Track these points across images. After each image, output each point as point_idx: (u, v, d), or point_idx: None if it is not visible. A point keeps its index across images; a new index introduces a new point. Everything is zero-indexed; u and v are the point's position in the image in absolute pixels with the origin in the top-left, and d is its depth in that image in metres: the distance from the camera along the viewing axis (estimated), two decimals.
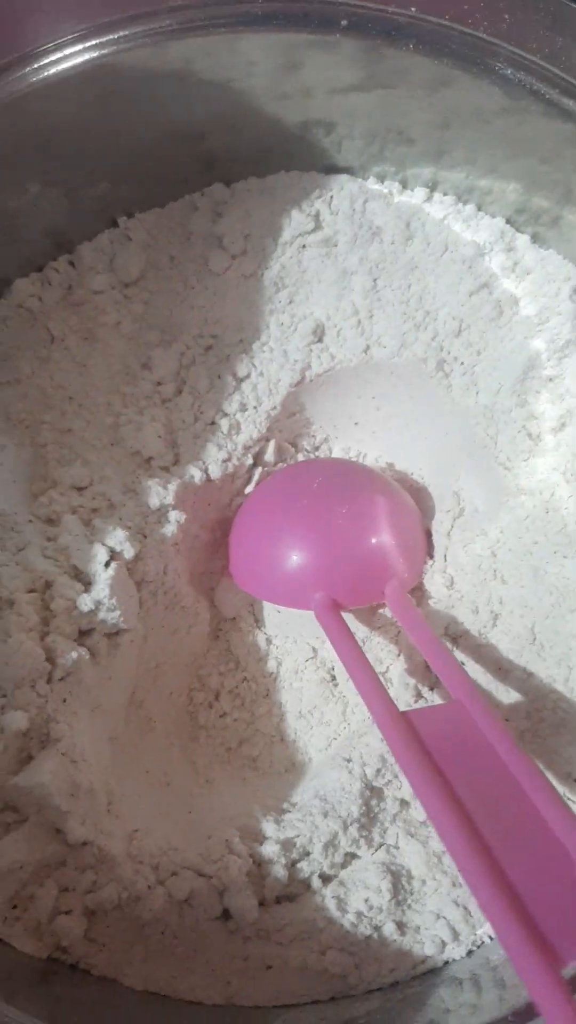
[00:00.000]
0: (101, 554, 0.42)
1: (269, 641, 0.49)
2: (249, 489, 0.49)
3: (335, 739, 0.46)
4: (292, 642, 0.49)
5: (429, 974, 0.39)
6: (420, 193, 0.48)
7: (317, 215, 0.48)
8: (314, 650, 0.49)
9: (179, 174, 0.48)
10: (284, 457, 0.50)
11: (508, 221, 0.47)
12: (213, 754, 0.47)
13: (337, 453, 0.52)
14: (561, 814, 0.31)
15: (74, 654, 0.40)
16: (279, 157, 0.48)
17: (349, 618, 0.47)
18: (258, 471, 0.49)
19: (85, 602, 0.41)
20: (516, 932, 0.27)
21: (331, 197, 0.48)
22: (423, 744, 0.35)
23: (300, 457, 0.51)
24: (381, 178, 0.48)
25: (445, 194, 0.47)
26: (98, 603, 0.41)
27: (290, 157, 0.48)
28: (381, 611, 0.48)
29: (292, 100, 0.45)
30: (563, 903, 0.29)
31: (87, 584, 0.42)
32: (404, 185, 0.48)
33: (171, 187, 0.49)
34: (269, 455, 0.49)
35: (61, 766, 0.38)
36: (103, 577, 0.41)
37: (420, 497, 0.50)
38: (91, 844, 0.38)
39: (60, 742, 0.38)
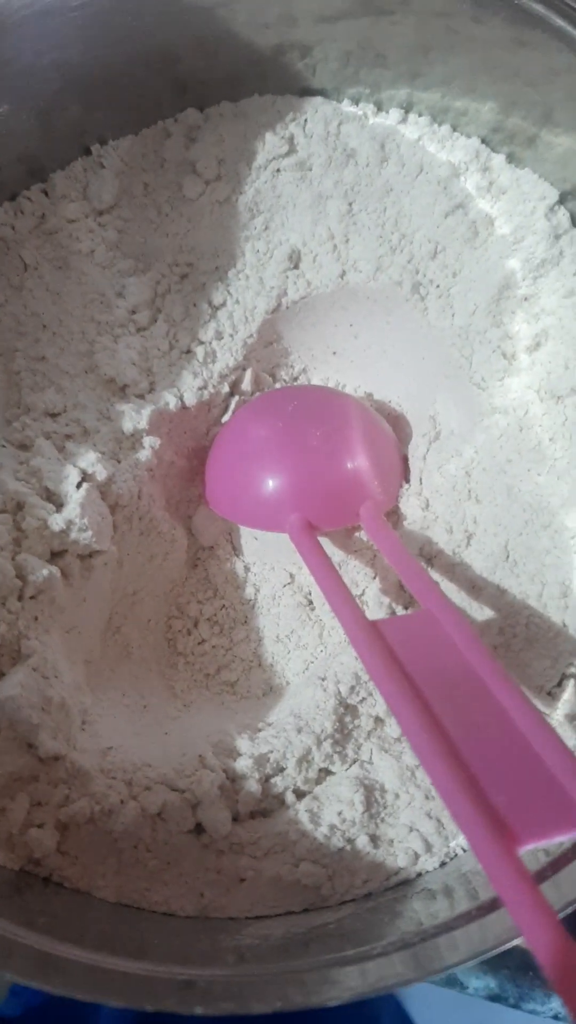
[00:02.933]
0: (73, 475, 0.42)
1: (247, 568, 0.49)
2: (226, 418, 0.49)
3: (312, 662, 0.46)
4: (270, 569, 0.49)
5: (402, 885, 0.39)
6: (395, 114, 0.47)
7: (291, 138, 0.47)
8: (291, 576, 0.48)
9: (152, 99, 0.48)
10: (261, 387, 0.50)
11: (483, 141, 0.46)
12: (192, 680, 0.47)
13: (316, 383, 0.52)
14: (525, 709, 0.31)
15: (45, 571, 0.40)
16: (253, 80, 0.48)
17: (325, 543, 0.47)
18: (235, 400, 0.49)
19: (56, 522, 0.41)
20: (473, 814, 0.27)
21: (305, 120, 0.47)
22: (393, 652, 0.35)
23: (278, 387, 0.51)
24: (356, 100, 0.48)
25: (420, 115, 0.47)
26: (69, 523, 0.41)
27: (264, 80, 0.48)
28: (357, 535, 0.48)
29: (273, 28, 0.45)
30: (524, 792, 0.29)
31: (59, 505, 0.42)
32: (379, 107, 0.47)
33: (144, 113, 0.48)
34: (246, 384, 0.49)
35: (32, 680, 0.38)
36: (75, 497, 0.41)
37: (398, 424, 0.50)
38: (63, 759, 0.38)
39: (31, 658, 0.38)
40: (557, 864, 0.33)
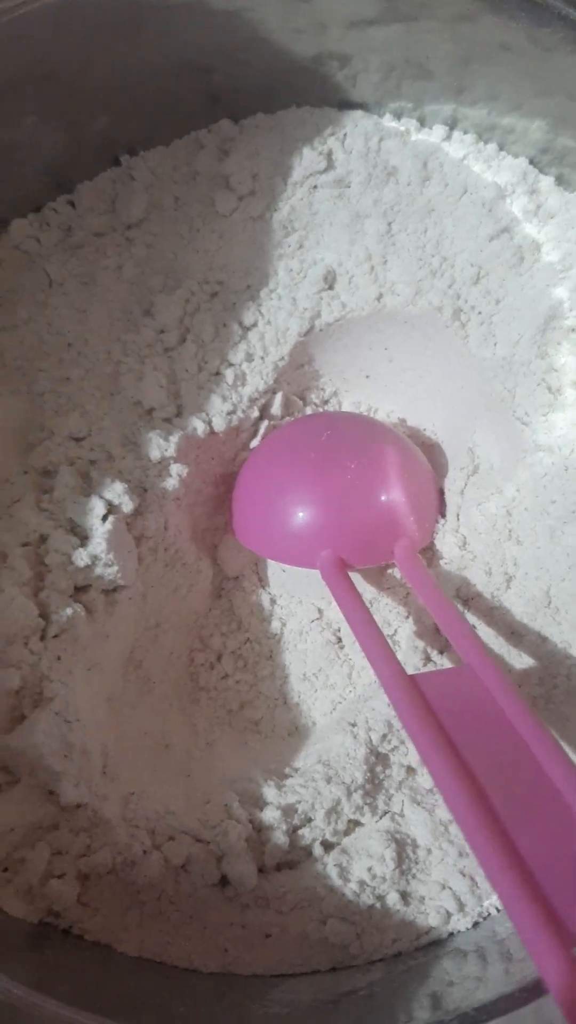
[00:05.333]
0: (98, 507, 0.40)
1: (273, 601, 0.48)
2: (255, 443, 0.47)
3: (340, 703, 0.45)
4: (297, 602, 0.47)
5: (433, 945, 0.37)
6: (439, 131, 0.45)
7: (329, 154, 0.45)
8: (320, 611, 0.47)
9: (184, 109, 0.46)
10: (291, 411, 0.48)
11: (531, 161, 0.44)
12: (214, 716, 0.46)
13: (347, 407, 0.50)
14: (573, 780, 0.30)
15: (69, 610, 0.38)
16: (289, 91, 0.46)
17: (356, 578, 0.45)
18: (264, 424, 0.47)
19: (81, 557, 0.39)
20: (526, 906, 0.26)
21: (344, 135, 0.45)
22: (431, 709, 0.34)
23: (308, 411, 0.49)
24: (398, 115, 0.46)
25: (465, 132, 0.45)
26: (95, 558, 0.39)
27: (301, 92, 0.46)
28: (390, 571, 0.46)
29: (305, 34, 0.43)
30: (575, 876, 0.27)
31: (83, 539, 0.40)
32: (422, 122, 0.45)
33: (176, 123, 0.46)
34: (276, 408, 0.47)
35: (54, 726, 0.36)
36: (100, 531, 0.40)
37: (433, 454, 0.48)
38: (85, 807, 0.36)
39: (54, 701, 0.37)
40: None
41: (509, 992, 0.32)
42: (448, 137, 0.45)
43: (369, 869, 0.38)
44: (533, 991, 0.31)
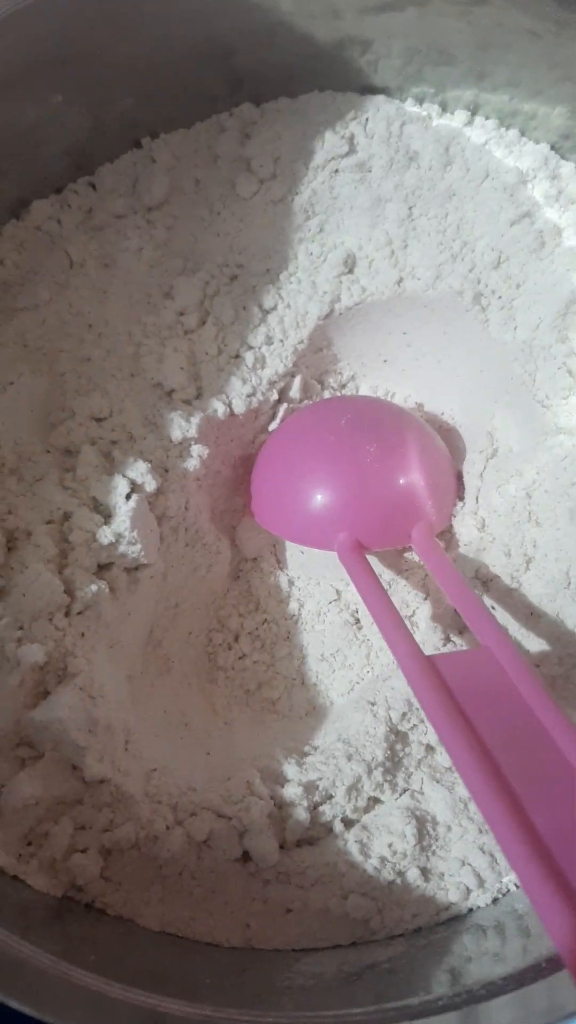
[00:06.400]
0: (122, 486, 0.41)
1: (291, 583, 0.48)
2: (273, 426, 0.47)
3: (358, 683, 0.45)
4: (315, 584, 0.47)
5: (453, 921, 0.38)
6: (461, 116, 0.45)
7: (351, 138, 0.45)
8: (337, 592, 0.47)
9: (206, 92, 0.46)
10: (310, 394, 0.48)
11: (553, 147, 0.45)
12: (232, 696, 0.46)
13: (365, 391, 0.50)
14: None
15: (94, 587, 0.38)
16: (312, 76, 0.46)
17: (374, 561, 0.46)
18: (283, 407, 0.47)
19: (105, 535, 0.39)
20: (541, 881, 0.26)
21: (366, 119, 0.45)
22: (449, 689, 0.34)
23: (326, 394, 0.49)
24: (420, 100, 0.46)
25: (487, 118, 0.45)
26: (119, 536, 0.40)
27: (323, 76, 0.46)
28: (407, 554, 0.46)
29: (320, 20, 0.43)
30: None
31: (107, 517, 0.40)
32: (444, 108, 0.46)
33: (198, 106, 0.47)
34: (295, 391, 0.47)
35: (79, 701, 0.36)
36: (124, 510, 0.40)
37: (451, 438, 0.48)
38: (108, 782, 0.37)
39: (78, 677, 0.37)
40: None
41: (526, 966, 0.32)
42: (470, 122, 0.45)
43: (390, 845, 0.38)
44: (550, 965, 0.32)
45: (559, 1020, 0.30)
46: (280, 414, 0.47)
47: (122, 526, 0.40)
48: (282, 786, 0.39)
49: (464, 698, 0.34)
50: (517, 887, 0.38)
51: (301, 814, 0.38)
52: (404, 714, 0.40)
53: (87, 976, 0.31)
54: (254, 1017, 0.30)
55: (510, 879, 0.38)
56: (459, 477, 0.47)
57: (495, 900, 0.38)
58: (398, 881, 0.37)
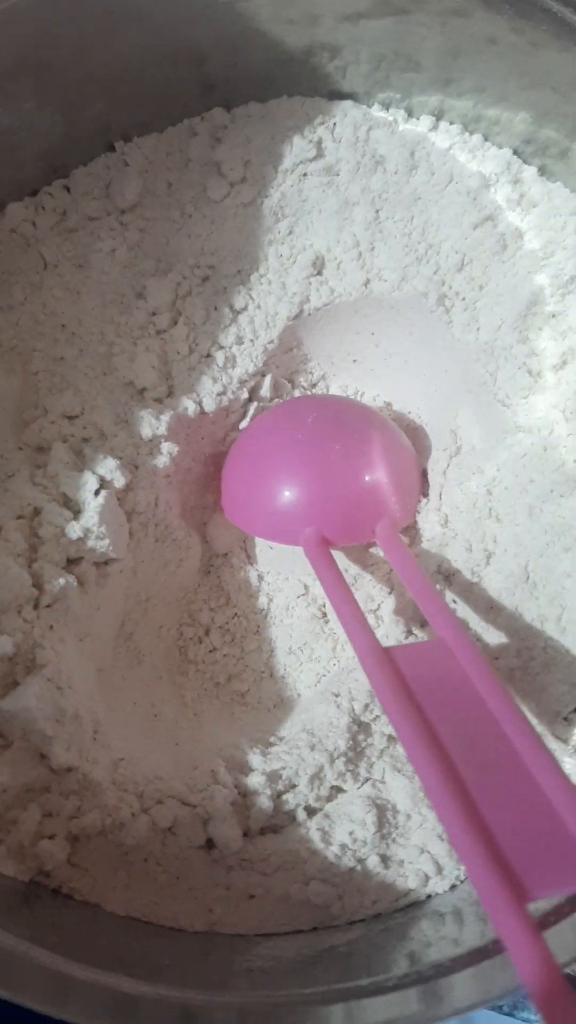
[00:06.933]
0: (91, 482, 0.41)
1: (261, 577, 0.49)
2: (244, 424, 0.48)
3: (324, 675, 0.46)
4: (284, 579, 0.48)
5: (411, 907, 0.39)
6: (426, 121, 0.46)
7: (319, 142, 0.46)
8: (305, 587, 0.48)
9: (179, 97, 0.47)
10: (280, 393, 0.49)
11: (515, 152, 0.45)
12: (202, 688, 0.47)
13: (335, 391, 0.51)
14: (537, 752, 0.31)
15: (62, 580, 0.39)
16: (281, 81, 0.47)
17: (342, 556, 0.47)
18: (253, 406, 0.48)
19: (74, 529, 0.40)
20: (483, 864, 0.27)
21: (334, 124, 0.46)
22: (405, 680, 0.35)
23: (296, 393, 0.50)
24: (386, 105, 0.47)
25: (451, 123, 0.46)
26: (87, 531, 0.40)
27: (293, 82, 0.47)
28: (373, 550, 0.47)
29: (298, 25, 0.44)
30: (534, 839, 0.29)
31: (76, 512, 0.41)
32: (409, 113, 0.47)
33: (170, 111, 0.47)
34: (265, 390, 0.48)
35: (47, 691, 0.37)
36: (92, 505, 0.41)
37: (417, 436, 0.49)
38: (75, 770, 0.37)
39: (46, 668, 0.38)
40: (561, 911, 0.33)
41: (482, 945, 0.33)
42: (435, 127, 0.46)
43: (351, 833, 0.39)
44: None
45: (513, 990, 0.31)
46: (250, 413, 0.48)
47: (90, 521, 0.40)
48: (246, 775, 0.40)
49: (420, 689, 0.34)
50: None
51: (264, 802, 0.39)
52: (367, 705, 0.41)
53: (54, 958, 0.32)
54: (212, 996, 0.31)
55: None
56: (424, 474, 0.48)
57: (453, 887, 0.39)
58: (358, 868, 0.38)
